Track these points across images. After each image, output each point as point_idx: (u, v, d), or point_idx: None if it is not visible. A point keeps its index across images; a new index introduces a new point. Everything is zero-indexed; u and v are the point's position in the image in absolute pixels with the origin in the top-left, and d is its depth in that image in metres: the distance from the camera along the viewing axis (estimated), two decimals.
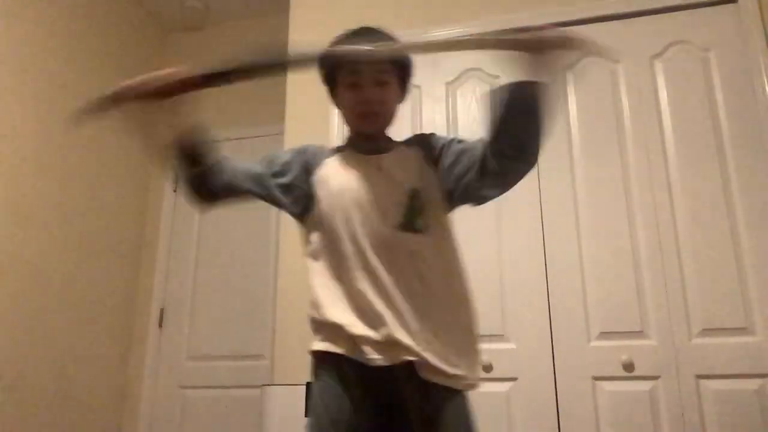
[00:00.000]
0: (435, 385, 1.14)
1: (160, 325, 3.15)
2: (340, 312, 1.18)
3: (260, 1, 3.38)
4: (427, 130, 1.37)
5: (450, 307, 1.21)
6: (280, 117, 2.62)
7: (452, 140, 1.28)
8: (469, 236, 2.19)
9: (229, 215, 3.22)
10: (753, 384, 1.90)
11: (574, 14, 2.37)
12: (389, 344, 1.14)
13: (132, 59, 3.34)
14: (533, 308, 2.11)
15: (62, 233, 2.74)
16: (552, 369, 2.04)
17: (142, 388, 3.05)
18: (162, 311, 3.16)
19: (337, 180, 1.26)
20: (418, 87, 2.47)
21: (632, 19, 2.33)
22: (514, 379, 2.06)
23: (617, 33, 2.33)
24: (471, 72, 2.44)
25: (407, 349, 1.13)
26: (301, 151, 1.33)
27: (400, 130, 1.36)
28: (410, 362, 1.13)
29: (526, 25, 1.11)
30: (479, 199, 1.23)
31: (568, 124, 2.28)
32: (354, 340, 1.16)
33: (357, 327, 1.16)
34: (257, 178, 1.30)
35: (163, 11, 3.49)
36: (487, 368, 2.07)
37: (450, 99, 2.44)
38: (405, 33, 2.53)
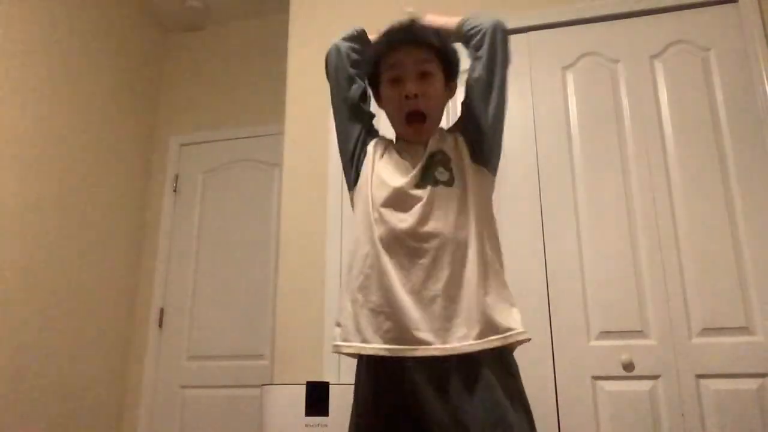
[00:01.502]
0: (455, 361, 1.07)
1: (160, 325, 3.15)
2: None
3: (260, 1, 3.38)
4: None
5: (473, 272, 1.13)
6: (280, 117, 2.62)
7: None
8: None
9: (230, 215, 3.22)
10: (753, 384, 1.90)
11: (574, 14, 2.37)
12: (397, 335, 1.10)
13: (132, 59, 3.34)
14: (533, 308, 2.10)
15: (62, 233, 2.74)
16: (552, 368, 2.04)
17: (142, 387, 3.05)
18: (162, 311, 3.17)
19: (374, 165, 1.24)
20: None
21: (632, 18, 2.33)
22: None
23: (617, 33, 2.33)
24: None
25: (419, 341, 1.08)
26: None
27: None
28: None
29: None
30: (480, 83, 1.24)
31: (568, 124, 2.28)
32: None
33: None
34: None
35: (163, 11, 3.49)
36: None
37: None
38: None
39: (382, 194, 1.18)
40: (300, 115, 2.55)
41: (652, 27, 2.30)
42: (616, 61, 2.30)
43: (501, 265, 1.22)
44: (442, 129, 1.29)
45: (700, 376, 1.93)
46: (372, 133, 1.32)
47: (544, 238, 2.17)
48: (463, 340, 1.07)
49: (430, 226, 1.14)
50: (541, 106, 2.32)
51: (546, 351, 2.06)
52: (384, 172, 1.22)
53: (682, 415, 1.91)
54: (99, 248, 2.96)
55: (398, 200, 1.17)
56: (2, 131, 2.49)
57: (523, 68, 2.38)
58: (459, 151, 1.22)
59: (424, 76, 1.20)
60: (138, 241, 3.26)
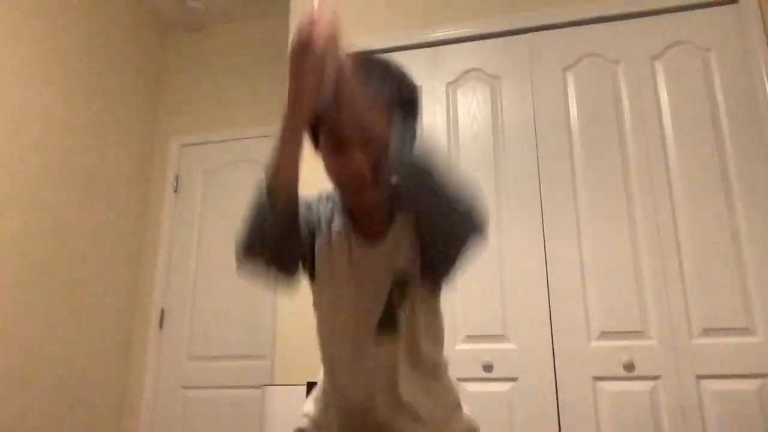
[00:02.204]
0: None
1: (161, 326, 3.15)
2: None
3: (260, 1, 3.38)
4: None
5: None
6: (280, 117, 2.62)
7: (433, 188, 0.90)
8: None
9: (230, 216, 3.22)
10: (754, 384, 1.90)
11: (575, 15, 2.37)
12: None
13: (132, 59, 3.34)
14: (534, 308, 2.11)
15: (63, 234, 2.75)
16: (553, 369, 2.04)
17: (143, 388, 3.05)
18: (162, 312, 3.17)
19: (327, 267, 1.05)
20: (419, 87, 2.47)
21: (632, 19, 2.33)
22: (514, 379, 2.06)
23: (617, 34, 2.33)
24: (471, 72, 2.44)
25: None
26: (308, 207, 1.09)
27: None
28: None
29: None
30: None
31: (569, 125, 2.28)
32: None
33: None
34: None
35: (163, 11, 3.50)
36: (488, 368, 2.08)
37: (450, 99, 2.44)
38: (404, 34, 2.55)
39: (335, 337, 1.06)
40: None
41: (653, 28, 2.30)
42: (617, 62, 2.31)
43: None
44: (398, 213, 1.01)
45: (700, 377, 1.94)
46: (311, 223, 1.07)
47: (545, 238, 2.17)
48: None
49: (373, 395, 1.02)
50: (541, 106, 2.32)
51: (546, 351, 2.06)
52: (336, 298, 1.04)
53: (683, 415, 1.91)
54: (99, 249, 2.97)
55: (353, 355, 1.03)
56: (2, 131, 2.49)
57: (524, 69, 2.38)
58: (414, 268, 1.00)
59: (369, 143, 0.94)
60: (138, 242, 3.26)
